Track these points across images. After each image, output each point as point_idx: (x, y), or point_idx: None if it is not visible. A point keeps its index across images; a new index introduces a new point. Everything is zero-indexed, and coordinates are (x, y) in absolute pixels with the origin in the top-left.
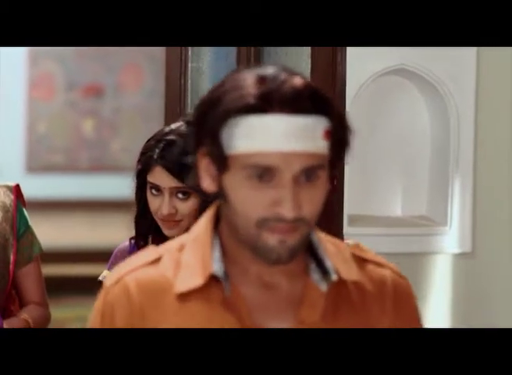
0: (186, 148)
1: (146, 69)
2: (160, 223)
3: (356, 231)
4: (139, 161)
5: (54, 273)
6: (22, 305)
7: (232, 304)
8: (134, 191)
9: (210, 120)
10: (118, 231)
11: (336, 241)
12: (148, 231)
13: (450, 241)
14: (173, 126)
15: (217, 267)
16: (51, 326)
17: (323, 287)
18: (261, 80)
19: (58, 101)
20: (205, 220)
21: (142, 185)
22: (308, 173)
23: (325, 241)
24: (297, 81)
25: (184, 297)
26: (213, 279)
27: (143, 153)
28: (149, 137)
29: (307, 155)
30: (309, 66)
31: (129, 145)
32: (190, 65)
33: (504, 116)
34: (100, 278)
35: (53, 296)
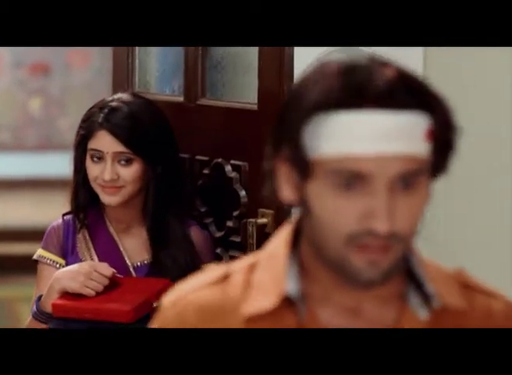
0: (132, 114)
1: (93, 47)
2: (99, 191)
3: None
4: (80, 128)
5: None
6: None
7: None
8: (73, 163)
9: (290, 119)
10: (64, 210)
11: (437, 264)
12: (88, 203)
13: None
14: (115, 95)
15: (292, 286)
16: (1, 303)
17: (423, 313)
18: (350, 70)
19: (5, 79)
20: (282, 236)
21: (82, 154)
22: (406, 180)
23: (424, 263)
24: (393, 71)
25: (252, 321)
26: (287, 300)
27: (84, 120)
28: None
29: (405, 159)
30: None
31: (77, 123)
32: None
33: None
34: (34, 257)
35: (1, 275)
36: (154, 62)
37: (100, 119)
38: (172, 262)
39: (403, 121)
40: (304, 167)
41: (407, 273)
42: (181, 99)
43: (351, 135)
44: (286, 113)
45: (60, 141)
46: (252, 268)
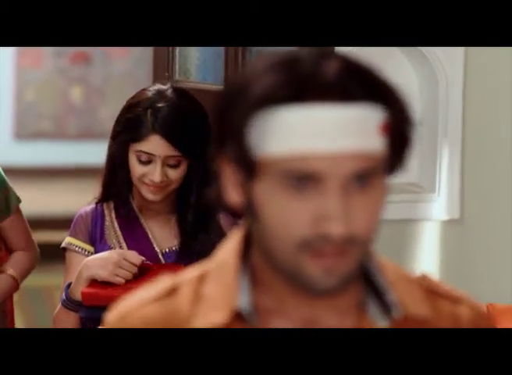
0: (183, 118)
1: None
2: (144, 189)
3: None
4: (125, 127)
5: (43, 240)
6: (10, 251)
7: None
8: (112, 155)
9: (233, 116)
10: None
11: (398, 267)
12: (122, 193)
13: (439, 207)
14: (155, 90)
15: (243, 300)
16: (44, 292)
17: (383, 323)
18: (295, 62)
19: (47, 68)
20: (232, 243)
21: (125, 151)
22: (361, 179)
23: (385, 268)
24: (341, 61)
25: None
26: (239, 315)
27: (129, 119)
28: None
29: (360, 156)
30: None
31: (117, 113)
32: None
33: (493, 83)
34: (63, 245)
35: (44, 263)
36: (195, 51)
37: (151, 124)
38: (201, 248)
39: (355, 114)
40: (249, 168)
41: (365, 280)
42: (221, 88)
43: (299, 131)
44: (227, 111)
45: (101, 131)
46: (201, 279)
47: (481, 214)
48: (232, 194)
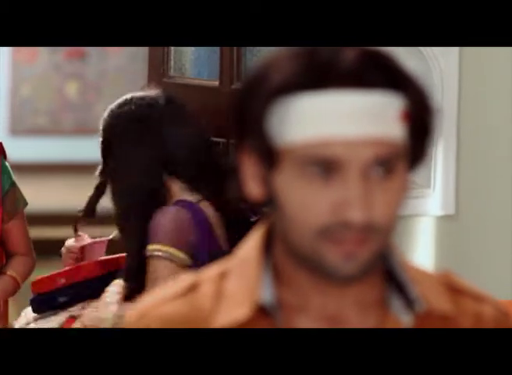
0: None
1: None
2: None
3: None
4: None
5: (38, 235)
6: (8, 255)
7: None
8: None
9: (253, 105)
10: None
11: (421, 266)
12: None
13: (434, 203)
14: (155, 102)
15: (267, 294)
16: None
17: (406, 319)
18: (314, 51)
19: (42, 63)
20: (254, 239)
21: None
22: (381, 166)
23: (407, 265)
24: (361, 49)
25: None
26: (262, 309)
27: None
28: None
29: (379, 143)
30: None
31: None
32: None
33: (489, 79)
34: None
35: (39, 258)
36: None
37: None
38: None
39: (375, 101)
40: (270, 157)
41: (387, 275)
42: (216, 83)
43: (319, 119)
44: (246, 101)
45: (96, 126)
46: (223, 276)
47: (476, 210)
48: (253, 187)
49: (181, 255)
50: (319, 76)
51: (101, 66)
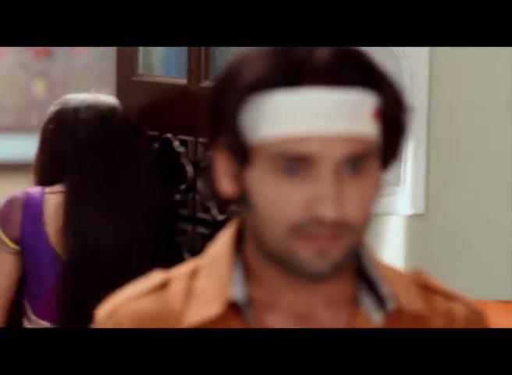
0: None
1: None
2: None
3: None
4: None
5: None
6: None
7: None
8: None
9: (226, 102)
10: None
11: (392, 264)
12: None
13: (403, 201)
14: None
15: (238, 292)
16: None
17: (377, 317)
18: (287, 49)
19: (8, 61)
20: (225, 237)
21: None
22: (354, 163)
23: (378, 263)
24: (335, 47)
25: None
26: (233, 307)
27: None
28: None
29: (352, 140)
30: None
31: None
32: None
33: (458, 77)
34: None
35: None
36: None
37: None
38: None
39: (348, 98)
40: (242, 154)
41: (358, 273)
42: (185, 81)
43: (291, 115)
44: (219, 98)
45: None
46: (193, 274)
47: (446, 209)
48: (226, 184)
49: (4, 238)
50: (293, 74)
51: (67, 64)
